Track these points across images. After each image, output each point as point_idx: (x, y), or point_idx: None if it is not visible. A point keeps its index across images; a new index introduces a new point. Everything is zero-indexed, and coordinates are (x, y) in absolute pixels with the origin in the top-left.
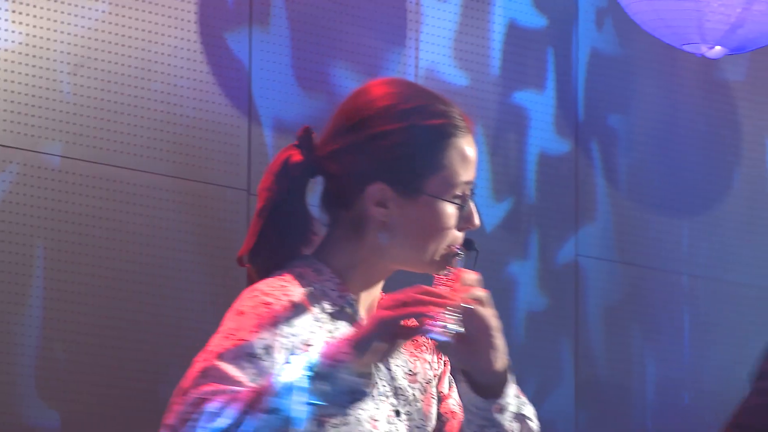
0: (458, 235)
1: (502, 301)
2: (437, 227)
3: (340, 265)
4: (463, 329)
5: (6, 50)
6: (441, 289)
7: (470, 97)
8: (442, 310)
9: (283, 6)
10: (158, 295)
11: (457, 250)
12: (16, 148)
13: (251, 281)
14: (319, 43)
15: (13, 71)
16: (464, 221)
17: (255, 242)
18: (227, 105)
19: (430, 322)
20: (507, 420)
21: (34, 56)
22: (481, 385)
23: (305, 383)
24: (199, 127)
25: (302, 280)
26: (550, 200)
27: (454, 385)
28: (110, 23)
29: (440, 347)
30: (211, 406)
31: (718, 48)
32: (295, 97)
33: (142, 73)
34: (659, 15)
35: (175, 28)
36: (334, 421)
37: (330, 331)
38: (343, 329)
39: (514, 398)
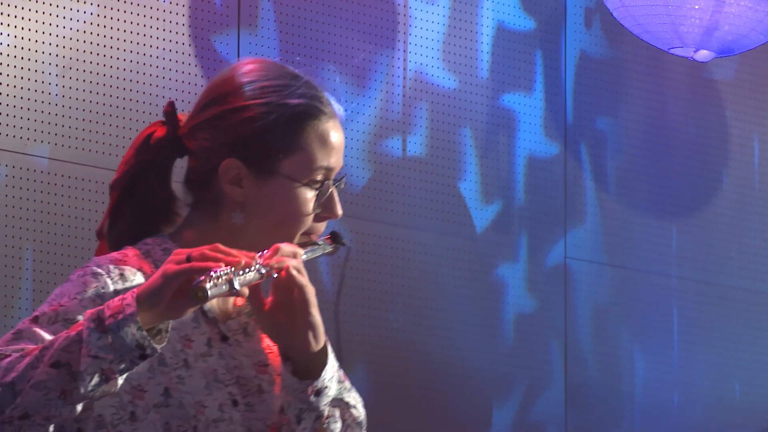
0: (318, 225)
1: (491, 303)
2: (291, 211)
3: (191, 245)
4: (237, 290)
5: None
6: (236, 250)
7: (459, 99)
8: (226, 267)
9: (271, 8)
10: None
11: (318, 240)
12: (4, 150)
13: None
14: (308, 46)
15: (2, 73)
16: (325, 210)
17: (111, 217)
18: None
19: (205, 276)
20: (324, 404)
21: (22, 58)
22: (300, 366)
23: (89, 336)
24: None
25: (147, 257)
26: (539, 203)
27: None
28: (98, 25)
29: (193, 298)
30: (8, 360)
31: (704, 52)
32: None
33: (130, 75)
34: (637, 21)
35: (164, 30)
36: (151, 402)
37: None
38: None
39: (333, 382)
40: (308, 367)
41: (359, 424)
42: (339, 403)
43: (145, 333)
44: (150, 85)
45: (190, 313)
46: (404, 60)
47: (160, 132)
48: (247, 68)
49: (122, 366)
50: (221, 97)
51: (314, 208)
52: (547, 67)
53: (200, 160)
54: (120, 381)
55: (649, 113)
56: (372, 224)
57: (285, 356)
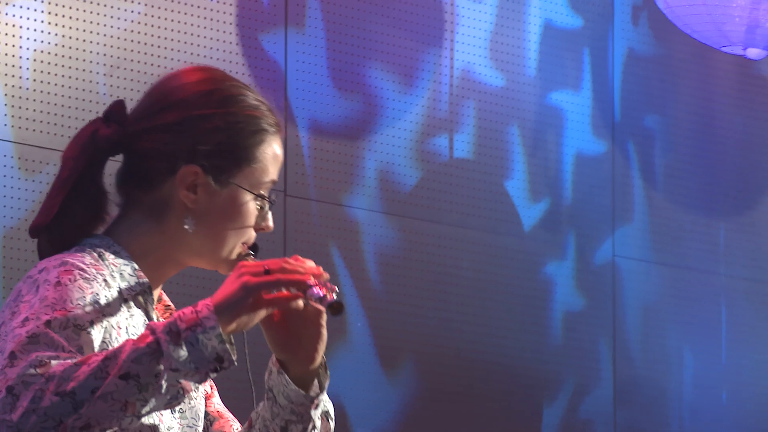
0: (253, 235)
1: (540, 301)
2: (240, 222)
3: (135, 249)
4: (342, 302)
5: (42, 51)
6: (301, 263)
7: (506, 97)
8: (312, 279)
9: (319, 7)
10: (195, 296)
11: (248, 249)
12: (53, 149)
13: (43, 255)
14: (355, 44)
15: (49, 72)
16: (262, 221)
17: (56, 213)
18: None
19: (312, 286)
20: (317, 417)
21: (70, 57)
22: (298, 379)
23: (165, 349)
24: None
25: (102, 260)
26: (588, 201)
27: (215, 385)
28: (146, 24)
29: (333, 309)
30: (58, 369)
31: (755, 50)
32: (331, 98)
33: None
34: (683, 21)
35: (211, 29)
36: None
37: (126, 316)
38: (138, 317)
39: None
40: (307, 380)
41: None
42: (324, 415)
43: (226, 346)
44: None
45: (255, 322)
46: (451, 58)
47: (106, 130)
48: (200, 76)
49: (196, 378)
50: (179, 103)
51: (257, 221)
52: (595, 65)
53: (151, 163)
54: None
55: (698, 110)
56: (419, 223)
57: (283, 368)
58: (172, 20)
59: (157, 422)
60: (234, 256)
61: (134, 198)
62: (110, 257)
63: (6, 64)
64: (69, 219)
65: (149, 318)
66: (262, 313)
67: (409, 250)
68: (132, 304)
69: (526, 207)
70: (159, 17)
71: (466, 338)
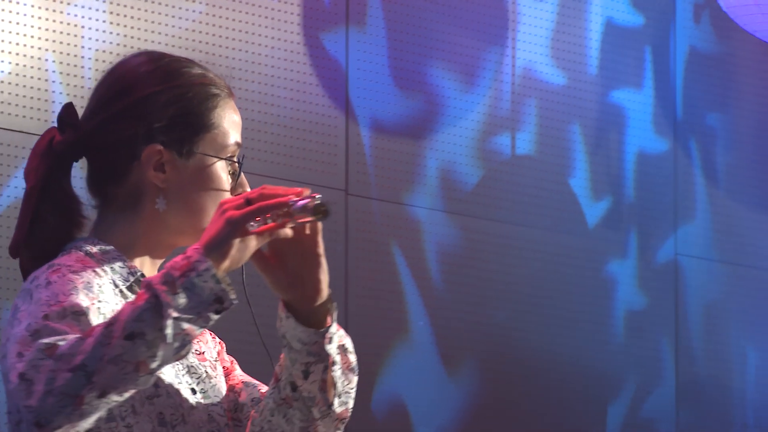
0: None
1: (602, 300)
2: (212, 188)
3: (121, 242)
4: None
5: (104, 51)
6: (283, 188)
7: (568, 96)
8: (293, 197)
9: (380, 6)
10: (251, 294)
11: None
12: None
13: (26, 273)
14: (416, 43)
15: None
16: (238, 185)
17: (29, 228)
18: (324, 105)
19: (295, 202)
20: (334, 351)
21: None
22: (306, 316)
23: (164, 300)
24: (296, 127)
25: (92, 258)
26: (649, 199)
27: (234, 359)
28: (207, 23)
29: (319, 213)
30: (64, 347)
31: None
32: (392, 97)
33: (239, 74)
34: (743, 20)
35: (272, 28)
36: (145, 394)
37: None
38: None
39: (336, 329)
40: (316, 316)
41: (353, 369)
42: (341, 348)
43: (223, 285)
44: (259, 83)
45: (248, 256)
46: (513, 57)
47: (60, 136)
48: (139, 60)
49: (200, 323)
50: (126, 88)
51: (232, 183)
52: (657, 63)
53: (113, 155)
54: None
55: (760, 108)
56: (481, 222)
57: (289, 309)
58: (233, 20)
59: (179, 401)
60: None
61: (108, 195)
62: (97, 254)
63: (68, 64)
64: (43, 230)
65: None
66: (253, 246)
67: (470, 248)
68: (128, 294)
69: (588, 205)
70: (220, 17)
71: (528, 337)
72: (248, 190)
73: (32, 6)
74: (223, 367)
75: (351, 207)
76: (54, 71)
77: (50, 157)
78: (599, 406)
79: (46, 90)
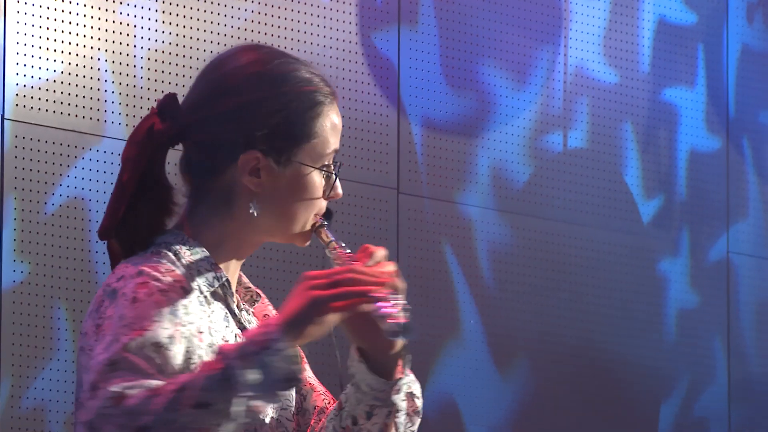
0: (324, 205)
1: (654, 298)
2: (308, 196)
3: (210, 240)
4: (409, 321)
5: (156, 50)
6: (372, 269)
7: (620, 94)
8: (383, 290)
9: (432, 4)
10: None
11: (321, 220)
12: None
13: (114, 256)
14: (468, 42)
15: (163, 71)
16: (331, 190)
17: (123, 214)
18: (376, 104)
19: (381, 304)
20: (400, 399)
21: (183, 56)
22: (379, 365)
23: (237, 375)
24: (348, 126)
25: (179, 259)
26: (701, 197)
27: (305, 358)
28: (259, 23)
29: (391, 334)
30: (132, 402)
31: None
32: (444, 96)
33: None
34: None
35: (324, 27)
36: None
37: (208, 314)
38: (219, 311)
39: (407, 377)
40: (388, 366)
41: (418, 413)
42: (409, 395)
43: (296, 367)
44: None
45: (325, 332)
46: (565, 55)
47: (161, 125)
48: (248, 57)
49: (267, 399)
50: (231, 89)
51: (325, 191)
52: (709, 61)
53: (213, 152)
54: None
55: None
56: (533, 220)
57: (362, 354)
58: (285, 18)
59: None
60: (308, 227)
61: (200, 187)
62: (186, 254)
63: (120, 63)
64: (137, 220)
65: (230, 310)
66: (332, 322)
67: (522, 247)
68: (211, 299)
69: (640, 204)
70: (272, 15)
71: (580, 335)
72: (340, 193)
73: (85, 6)
74: None
75: (402, 206)
76: (106, 71)
77: (148, 146)
78: (652, 406)
79: (99, 89)
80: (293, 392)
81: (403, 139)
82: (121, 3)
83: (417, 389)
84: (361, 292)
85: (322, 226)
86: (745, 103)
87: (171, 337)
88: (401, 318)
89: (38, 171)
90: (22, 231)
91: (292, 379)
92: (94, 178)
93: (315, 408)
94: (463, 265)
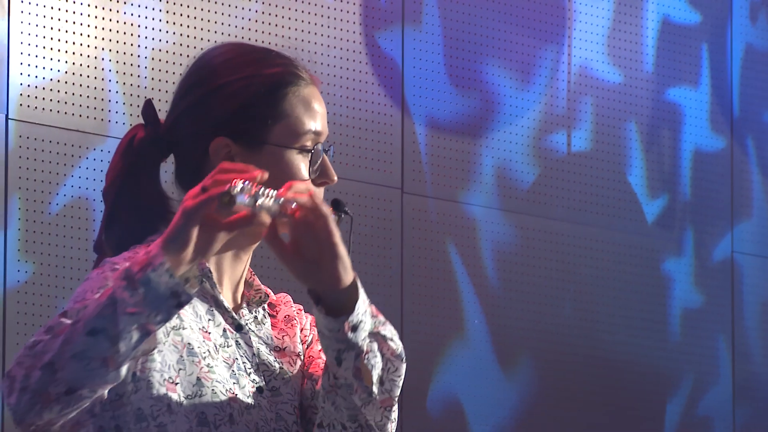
0: (319, 191)
1: (658, 298)
2: (287, 178)
3: None
4: (259, 206)
5: (160, 50)
6: (241, 165)
7: (624, 94)
8: (238, 182)
9: (435, 4)
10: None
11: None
12: None
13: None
14: (472, 41)
15: (167, 71)
16: (321, 175)
17: (107, 224)
18: (380, 104)
19: (236, 194)
20: (361, 339)
21: (187, 56)
22: (331, 305)
23: (121, 294)
24: (352, 126)
25: None
26: (706, 197)
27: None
28: (263, 22)
29: (220, 205)
30: (40, 345)
31: None
32: (448, 95)
33: None
34: None
35: (327, 27)
36: (184, 394)
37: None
38: (198, 304)
39: (368, 316)
40: (341, 304)
41: (398, 356)
42: (376, 337)
43: (177, 279)
44: None
45: (217, 247)
46: (569, 55)
47: (142, 133)
48: (217, 51)
49: (159, 318)
50: (198, 81)
51: (310, 174)
52: (713, 61)
53: (189, 149)
54: (160, 335)
55: None
56: (537, 220)
57: (316, 298)
58: (289, 18)
59: (226, 401)
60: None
61: (189, 187)
62: None
63: (124, 63)
64: (122, 227)
65: (217, 302)
66: (222, 236)
67: (526, 246)
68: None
69: (644, 203)
70: (276, 15)
71: (584, 335)
72: (334, 179)
73: (89, 6)
74: (310, 356)
75: (406, 205)
76: (110, 71)
77: (130, 155)
78: (656, 405)
79: (103, 89)
80: (297, 385)
81: (407, 139)
82: (125, 3)
83: (388, 331)
84: (220, 192)
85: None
86: (749, 103)
87: None
88: (244, 194)
89: (42, 171)
90: (27, 231)
91: (179, 294)
92: (99, 177)
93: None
94: (467, 265)
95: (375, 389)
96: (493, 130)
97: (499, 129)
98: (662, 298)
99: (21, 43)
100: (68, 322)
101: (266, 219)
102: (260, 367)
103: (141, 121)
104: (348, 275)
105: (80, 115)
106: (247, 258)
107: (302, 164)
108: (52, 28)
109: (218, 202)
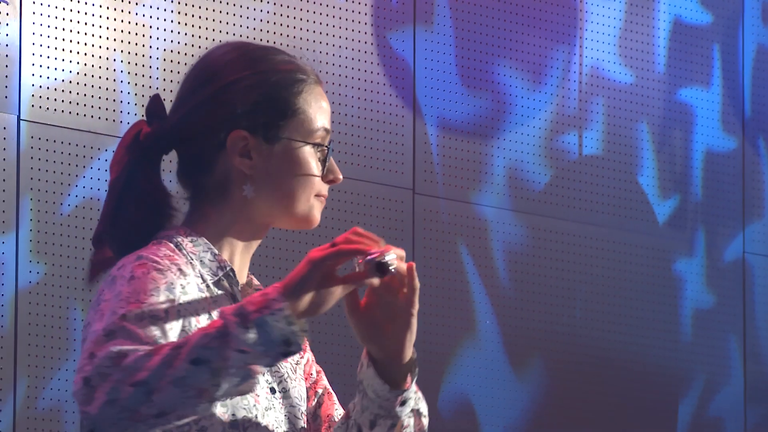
0: (324, 186)
1: (669, 298)
2: (301, 172)
3: (212, 233)
4: (401, 269)
5: (171, 51)
6: (373, 235)
7: (635, 94)
8: (378, 248)
9: (447, 5)
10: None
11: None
12: None
13: (100, 263)
14: (483, 42)
15: (178, 72)
16: (329, 172)
17: (111, 219)
18: (392, 104)
19: (372, 254)
20: (405, 414)
21: (199, 56)
22: (387, 372)
23: (234, 332)
24: (364, 126)
25: (181, 250)
26: (717, 197)
27: (321, 369)
28: (275, 23)
29: (379, 271)
30: (130, 360)
31: None
32: (459, 96)
33: None
34: None
35: (339, 27)
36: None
37: (209, 301)
38: (223, 301)
39: (414, 393)
40: (396, 374)
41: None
42: (416, 413)
43: (294, 328)
44: (326, 82)
45: (331, 303)
46: (581, 55)
47: (147, 128)
48: (225, 49)
49: (265, 362)
50: (211, 76)
51: (321, 169)
52: (725, 62)
53: (200, 144)
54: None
55: None
56: (548, 220)
57: (372, 360)
58: (301, 19)
59: (253, 402)
60: (307, 207)
61: (198, 186)
62: (188, 245)
63: (135, 64)
64: (125, 222)
65: (236, 301)
66: (338, 293)
67: (537, 247)
68: (216, 289)
69: (656, 204)
70: (288, 16)
71: (596, 336)
72: (340, 177)
73: (100, 7)
74: (309, 374)
75: (418, 206)
76: (122, 71)
77: (135, 149)
78: (668, 405)
79: (114, 90)
80: (302, 392)
81: (419, 140)
82: (136, 4)
83: (424, 408)
84: (357, 249)
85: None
86: (761, 103)
87: (167, 312)
88: (384, 258)
89: (54, 172)
90: (38, 231)
91: (290, 343)
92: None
93: (327, 416)
94: (478, 266)
95: None
96: (505, 131)
97: (511, 129)
98: (673, 298)
99: (33, 44)
100: (133, 329)
101: (376, 281)
102: (270, 368)
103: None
104: (411, 350)
105: (92, 116)
106: (249, 258)
107: (313, 161)
108: (63, 29)
109: (373, 269)
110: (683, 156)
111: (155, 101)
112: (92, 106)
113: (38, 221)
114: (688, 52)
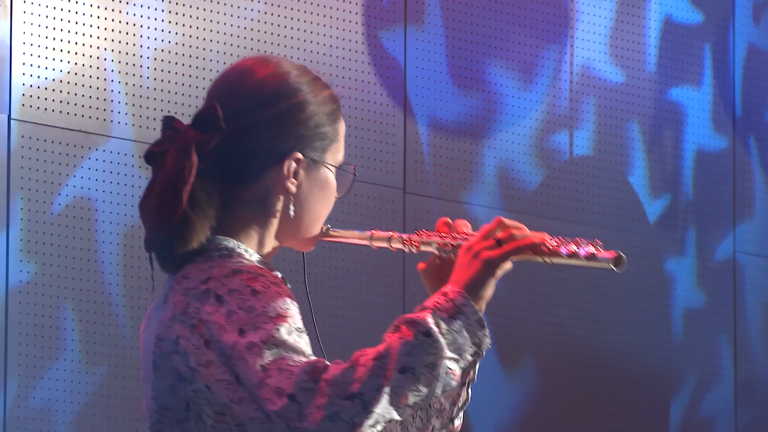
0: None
1: (660, 298)
2: (331, 195)
3: (251, 244)
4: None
5: (162, 50)
6: (510, 221)
7: (626, 93)
8: (549, 238)
9: (438, 4)
10: (326, 295)
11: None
12: None
13: (165, 265)
14: (474, 41)
15: (170, 71)
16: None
17: (179, 226)
18: (383, 104)
19: (559, 245)
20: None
21: (190, 56)
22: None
23: (436, 338)
24: (355, 126)
25: (257, 263)
26: (708, 197)
27: None
28: (265, 23)
29: (616, 263)
30: (333, 374)
31: None
32: (450, 96)
33: None
34: None
35: (330, 27)
36: None
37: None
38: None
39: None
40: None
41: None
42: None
43: (486, 331)
44: None
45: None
46: (571, 55)
47: (209, 139)
48: (271, 67)
49: (462, 365)
50: (268, 99)
51: (344, 195)
52: (716, 61)
53: (252, 158)
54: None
55: None
56: (540, 220)
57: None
58: (292, 18)
59: None
60: (319, 230)
61: (232, 194)
62: (247, 258)
63: (126, 63)
64: (190, 231)
65: None
66: (494, 284)
67: None
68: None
69: (646, 203)
70: (278, 15)
71: (586, 335)
72: (338, 194)
73: (91, 6)
74: None
75: (408, 205)
76: (113, 71)
77: (188, 158)
78: (659, 405)
79: (105, 90)
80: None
81: (410, 139)
82: (127, 3)
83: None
84: (530, 243)
85: (328, 229)
86: (751, 103)
87: (302, 322)
88: (601, 250)
89: (45, 171)
90: (29, 231)
91: (481, 344)
92: (101, 178)
93: None
94: None
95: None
96: (496, 130)
97: (502, 129)
98: (664, 298)
99: (23, 43)
100: (293, 342)
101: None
102: None
103: (143, 121)
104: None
105: (82, 115)
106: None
107: (336, 184)
108: (54, 28)
109: (615, 263)
110: (674, 155)
111: (213, 110)
112: (83, 106)
113: (29, 220)
114: (679, 51)
